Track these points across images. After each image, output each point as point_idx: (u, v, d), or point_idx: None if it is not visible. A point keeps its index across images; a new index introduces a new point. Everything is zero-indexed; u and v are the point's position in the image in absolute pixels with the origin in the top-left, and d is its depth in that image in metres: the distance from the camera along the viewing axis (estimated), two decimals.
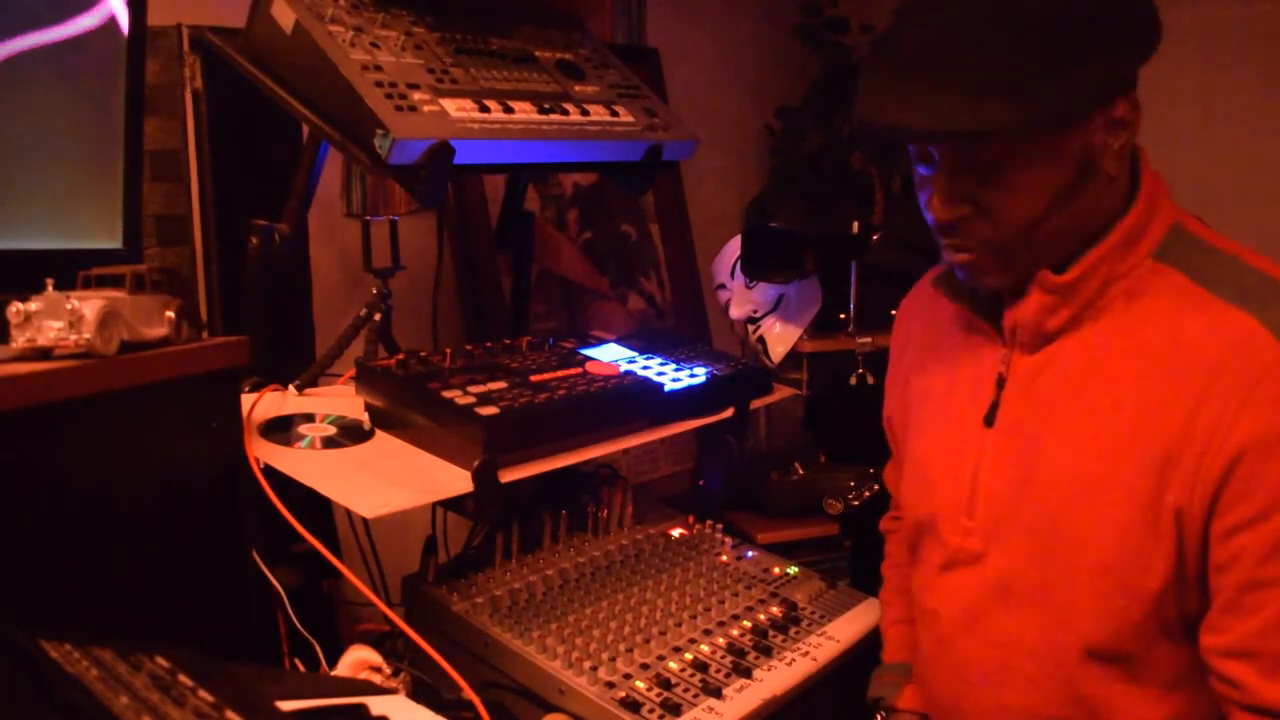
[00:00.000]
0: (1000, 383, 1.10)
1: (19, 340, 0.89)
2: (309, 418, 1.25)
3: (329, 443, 1.21)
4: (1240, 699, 0.95)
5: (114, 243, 1.15)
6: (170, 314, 1.00)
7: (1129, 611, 0.99)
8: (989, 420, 1.10)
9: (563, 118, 1.35)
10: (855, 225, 1.88)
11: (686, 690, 1.15)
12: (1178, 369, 0.96)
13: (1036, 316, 1.04)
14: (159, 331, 0.99)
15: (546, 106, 1.34)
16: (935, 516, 1.15)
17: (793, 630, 1.32)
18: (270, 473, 1.11)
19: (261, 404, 1.25)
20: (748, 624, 1.31)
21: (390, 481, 1.14)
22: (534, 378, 1.32)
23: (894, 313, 2.05)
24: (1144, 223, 1.02)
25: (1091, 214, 1.01)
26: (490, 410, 1.19)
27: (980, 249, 1.03)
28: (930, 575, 1.17)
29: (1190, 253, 1.02)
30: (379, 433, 1.26)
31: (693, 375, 1.46)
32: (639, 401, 1.37)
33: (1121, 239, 1.01)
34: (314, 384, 1.37)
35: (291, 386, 1.34)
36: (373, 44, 1.25)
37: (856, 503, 1.97)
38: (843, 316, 2.01)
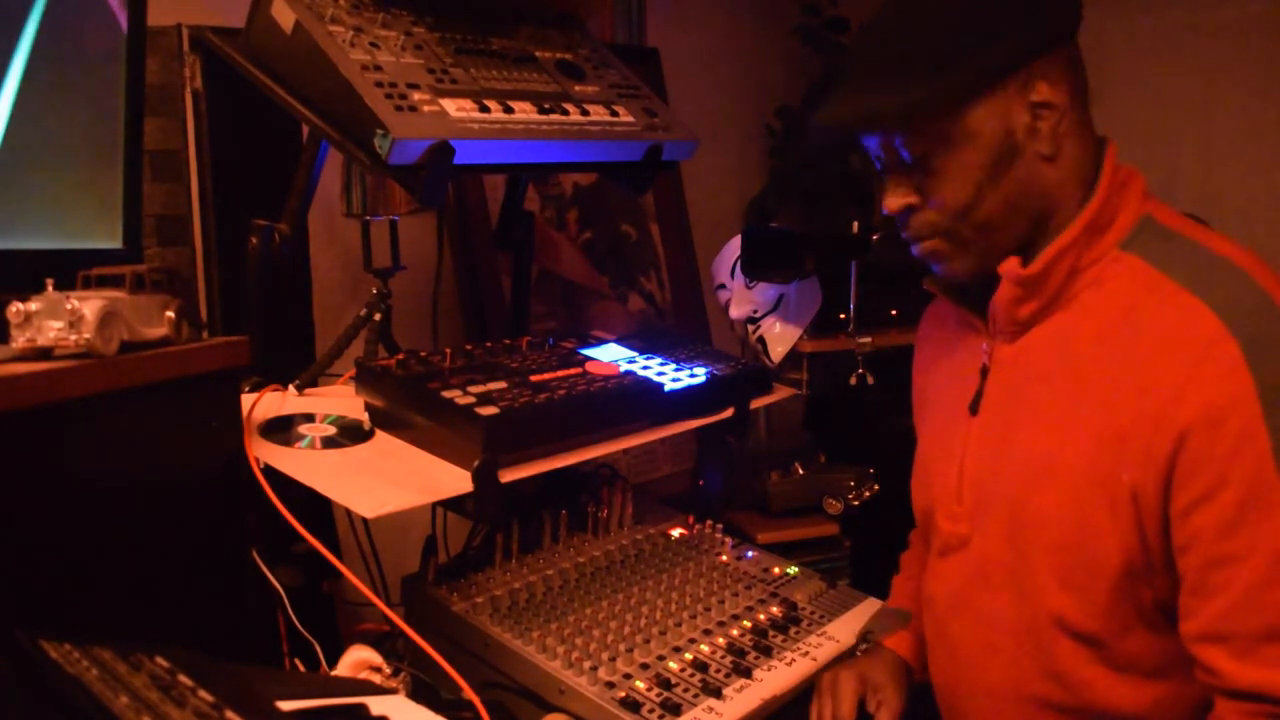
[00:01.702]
0: (984, 372, 1.14)
1: (19, 340, 0.89)
2: (309, 418, 1.25)
3: (329, 443, 1.21)
4: (1218, 685, 0.96)
5: (114, 243, 1.15)
6: (170, 314, 1.00)
7: (1092, 589, 1.02)
8: (974, 409, 1.15)
9: (563, 118, 1.35)
10: (855, 225, 1.88)
11: (686, 690, 1.15)
12: (1130, 350, 1.00)
13: (1008, 304, 1.09)
14: (159, 331, 0.99)
15: (546, 106, 1.34)
16: (933, 504, 1.20)
17: (793, 630, 1.32)
18: (270, 473, 1.11)
19: (261, 404, 1.25)
20: (748, 624, 1.31)
21: (390, 481, 1.14)
22: (534, 378, 1.32)
23: (894, 313, 2.06)
24: (1109, 214, 1.06)
25: (1030, 193, 1.06)
26: (490, 410, 1.18)
27: (932, 236, 1.10)
28: (932, 562, 1.22)
29: (1154, 241, 1.05)
30: (379, 433, 1.26)
31: (693, 375, 1.46)
32: (639, 401, 1.37)
33: (1083, 231, 1.05)
34: (314, 384, 1.37)
35: (291, 386, 1.34)
36: (373, 44, 1.25)
37: (856, 503, 1.98)
38: (843, 316, 2.01)
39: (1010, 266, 1.07)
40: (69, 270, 0.97)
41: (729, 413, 1.49)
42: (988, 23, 1.02)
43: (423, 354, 1.34)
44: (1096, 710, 1.05)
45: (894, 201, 1.11)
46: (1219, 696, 0.97)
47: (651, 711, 1.10)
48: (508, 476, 1.18)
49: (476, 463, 1.15)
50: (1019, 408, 1.09)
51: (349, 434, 1.24)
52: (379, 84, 1.19)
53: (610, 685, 1.13)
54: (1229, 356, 0.93)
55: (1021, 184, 1.05)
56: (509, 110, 1.29)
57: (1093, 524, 1.01)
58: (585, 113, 1.38)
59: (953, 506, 1.16)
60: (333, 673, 1.09)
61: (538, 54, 1.46)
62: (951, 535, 1.16)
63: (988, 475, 1.12)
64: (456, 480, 1.16)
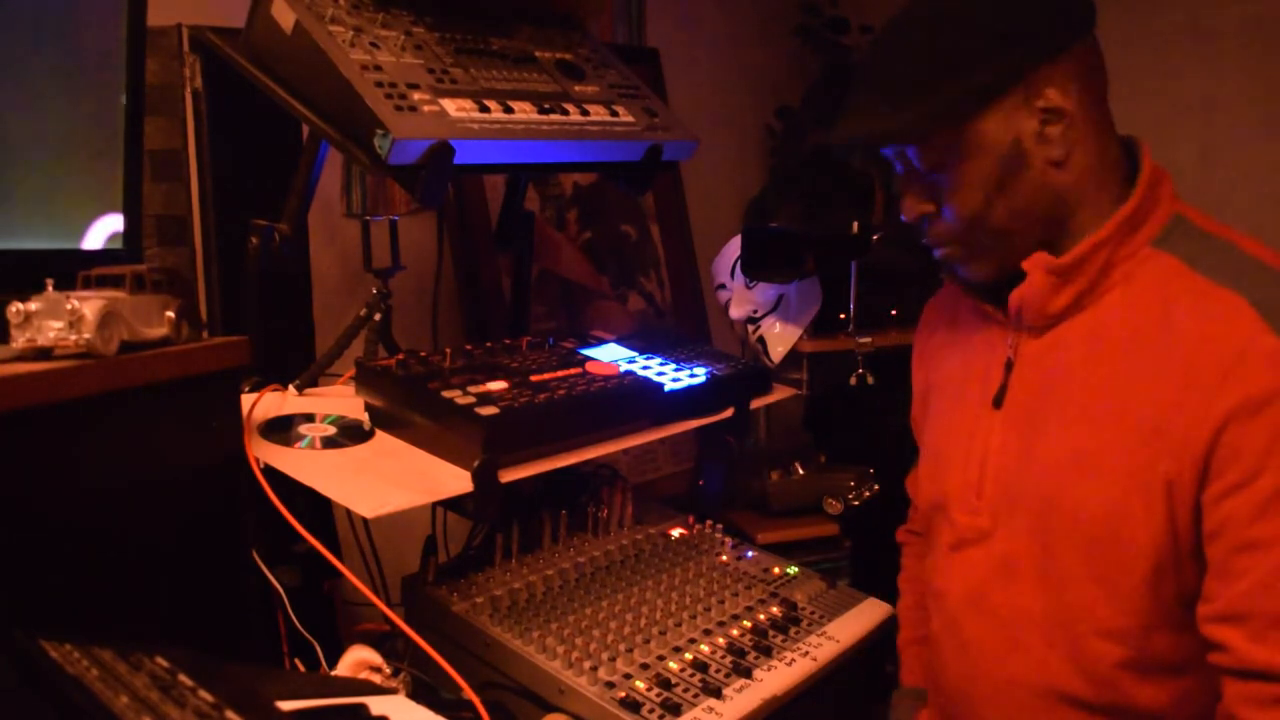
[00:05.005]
0: (1009, 366, 1.15)
1: (19, 340, 0.89)
2: (309, 418, 1.25)
3: (329, 443, 1.21)
4: (1229, 663, 0.97)
5: (114, 243, 1.15)
6: (170, 314, 1.00)
7: (1123, 583, 1.03)
8: (997, 402, 1.15)
9: (563, 118, 1.35)
10: (855, 225, 1.88)
11: (686, 690, 1.15)
12: (1167, 345, 1.02)
13: (1040, 296, 1.09)
14: (159, 331, 0.99)
15: (546, 106, 1.34)
16: (947, 498, 1.19)
17: (793, 630, 1.32)
18: (270, 473, 1.11)
19: (261, 404, 1.25)
20: (748, 624, 1.31)
21: (390, 481, 1.14)
22: (534, 378, 1.32)
23: (894, 313, 2.06)
24: (1144, 212, 1.07)
25: (1041, 199, 1.08)
26: (490, 410, 1.19)
27: (950, 242, 1.14)
28: (941, 556, 1.22)
29: (1187, 239, 1.07)
30: (379, 433, 1.26)
31: (693, 375, 1.46)
32: (639, 401, 1.37)
33: (1118, 228, 1.06)
34: (314, 384, 1.38)
35: (291, 386, 1.34)
36: (373, 44, 1.25)
37: (856, 503, 1.98)
38: (843, 316, 2.02)
39: (1039, 259, 1.08)
40: (69, 270, 0.97)
41: (729, 413, 1.49)
42: (989, 36, 1.04)
43: (423, 354, 1.34)
44: (1120, 706, 1.06)
45: (911, 210, 1.15)
46: (1228, 679, 0.97)
47: (651, 711, 1.10)
48: (508, 476, 1.18)
49: (476, 463, 1.15)
50: (1047, 402, 1.10)
51: (349, 434, 1.24)
52: (379, 84, 1.19)
53: (610, 685, 1.13)
54: (1269, 350, 0.95)
55: (1032, 190, 1.08)
56: (509, 110, 1.29)
57: (1127, 516, 1.02)
58: (585, 113, 1.38)
59: (971, 500, 1.16)
60: (333, 673, 1.09)
61: (538, 54, 1.46)
62: (969, 529, 1.16)
63: (1014, 469, 1.12)
64: (456, 480, 1.16)
